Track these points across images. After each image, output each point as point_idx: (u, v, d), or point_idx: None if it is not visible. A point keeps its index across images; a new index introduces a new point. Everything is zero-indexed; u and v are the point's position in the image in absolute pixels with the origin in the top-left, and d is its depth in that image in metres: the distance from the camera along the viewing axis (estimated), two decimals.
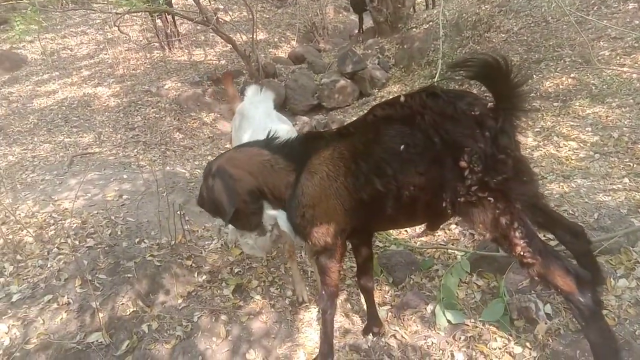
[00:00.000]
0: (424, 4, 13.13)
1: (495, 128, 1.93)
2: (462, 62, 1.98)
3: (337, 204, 2.32)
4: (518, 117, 1.97)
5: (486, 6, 9.67)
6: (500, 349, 2.58)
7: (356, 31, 13.89)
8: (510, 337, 2.63)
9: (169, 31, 11.91)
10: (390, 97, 9.40)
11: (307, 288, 3.44)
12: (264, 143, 2.63)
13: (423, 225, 2.45)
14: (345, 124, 2.43)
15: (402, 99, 2.11)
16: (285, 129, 3.33)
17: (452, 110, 1.99)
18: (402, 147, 2.07)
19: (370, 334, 2.91)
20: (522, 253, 2.01)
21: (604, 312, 2.62)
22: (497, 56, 1.87)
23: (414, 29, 11.14)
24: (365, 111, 2.39)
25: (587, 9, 7.94)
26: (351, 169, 2.25)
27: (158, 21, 11.87)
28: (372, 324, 2.91)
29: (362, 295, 3.01)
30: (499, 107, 1.96)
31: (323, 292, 2.56)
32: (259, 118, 3.47)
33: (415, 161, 2.06)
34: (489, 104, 1.98)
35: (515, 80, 1.89)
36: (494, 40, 8.50)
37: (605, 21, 7.08)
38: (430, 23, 10.81)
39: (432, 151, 2.02)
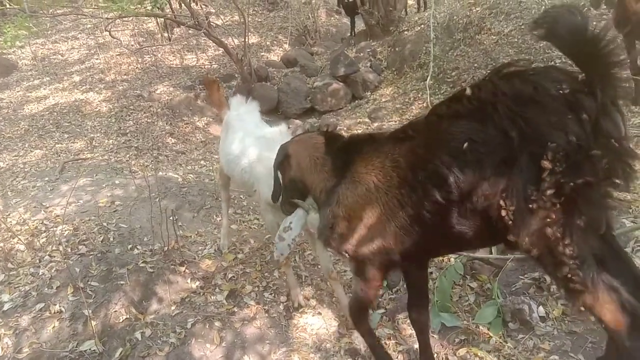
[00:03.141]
0: (416, 6, 13.19)
1: (594, 108, 1.47)
2: (537, 21, 1.56)
3: (386, 220, 1.97)
4: (620, 90, 1.50)
5: (477, 9, 9.74)
6: (494, 351, 2.59)
7: (348, 34, 13.94)
8: (504, 340, 2.64)
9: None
10: (383, 99, 9.50)
11: (302, 292, 3.43)
12: (327, 137, 2.43)
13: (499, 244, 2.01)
14: (403, 125, 2.09)
15: (468, 91, 1.72)
16: (280, 130, 3.30)
17: (532, 92, 1.55)
18: (465, 145, 1.67)
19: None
20: (569, 276, 1.60)
21: None
22: (573, 9, 1.50)
23: (406, 32, 11.20)
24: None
25: None
26: (407, 179, 1.89)
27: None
28: None
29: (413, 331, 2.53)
30: (593, 79, 1.48)
31: (353, 301, 2.33)
32: (249, 129, 3.43)
33: (482, 163, 1.65)
34: (580, 76, 1.53)
35: (602, 40, 1.45)
36: (485, 42, 8.56)
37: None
38: (422, 26, 10.87)
39: (506, 149, 1.60)
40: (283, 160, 2.49)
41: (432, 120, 1.87)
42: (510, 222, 1.62)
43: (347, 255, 2.19)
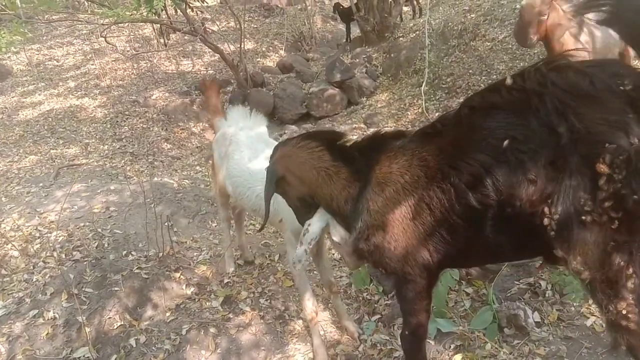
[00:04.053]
0: (411, 13, 13.26)
1: None
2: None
3: (414, 226, 1.75)
4: None
5: (471, 15, 9.80)
6: (489, 357, 2.58)
7: (344, 40, 13.99)
8: (499, 345, 2.64)
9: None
10: (379, 105, 9.52)
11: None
12: (327, 142, 2.11)
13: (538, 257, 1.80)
14: (432, 121, 1.88)
15: (508, 81, 1.52)
16: None
17: (588, 85, 1.38)
18: (505, 142, 1.47)
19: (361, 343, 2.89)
20: (624, 312, 1.40)
21: (592, 318, 2.65)
22: None
23: (401, 38, 11.24)
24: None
25: None
26: (436, 179, 1.67)
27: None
28: None
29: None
30: None
31: (406, 333, 2.03)
32: (260, 147, 3.06)
33: (525, 163, 1.45)
34: None
35: None
36: (479, 48, 8.60)
37: None
38: (417, 32, 10.92)
39: (553, 148, 1.40)
40: (277, 183, 2.20)
41: (463, 114, 1.65)
42: (552, 233, 1.43)
43: (385, 270, 1.94)
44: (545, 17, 3.73)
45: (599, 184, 1.32)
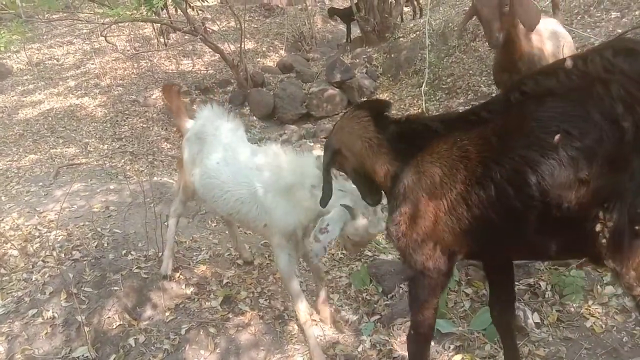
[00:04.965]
0: (411, 13, 13.27)
1: None
2: None
3: (449, 220, 1.64)
4: None
5: None
6: (489, 357, 2.58)
7: (344, 40, 14.00)
8: (499, 346, 2.63)
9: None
10: None
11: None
12: (374, 112, 2.02)
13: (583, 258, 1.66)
14: (475, 105, 1.76)
15: (568, 63, 1.37)
16: (274, 151, 2.80)
17: None
18: (557, 137, 1.33)
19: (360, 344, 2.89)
20: None
21: (591, 319, 2.65)
22: None
23: (401, 39, 11.25)
24: None
25: (571, 19, 8.07)
26: (476, 174, 1.54)
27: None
28: None
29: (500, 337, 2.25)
30: None
31: (412, 332, 1.93)
32: (238, 150, 2.93)
33: (578, 161, 1.31)
34: None
35: None
36: (479, 49, 8.61)
37: (588, 30, 7.20)
38: (417, 32, 10.92)
39: (614, 144, 1.26)
40: (333, 157, 2.11)
41: (514, 98, 1.50)
42: (604, 241, 1.31)
43: (405, 260, 1.85)
44: (507, 7, 3.05)
45: None
